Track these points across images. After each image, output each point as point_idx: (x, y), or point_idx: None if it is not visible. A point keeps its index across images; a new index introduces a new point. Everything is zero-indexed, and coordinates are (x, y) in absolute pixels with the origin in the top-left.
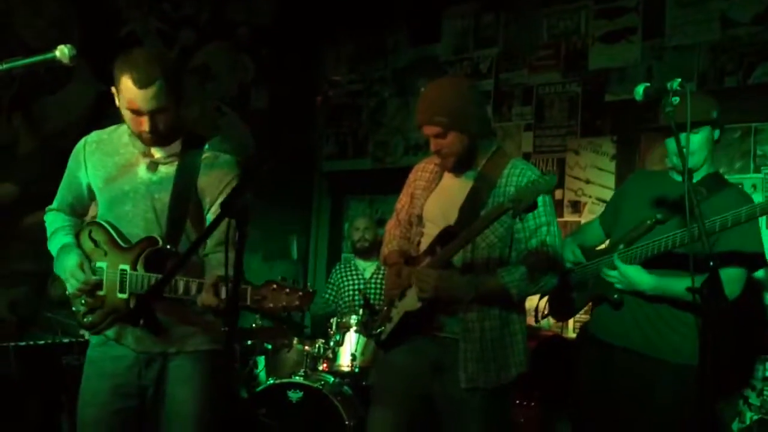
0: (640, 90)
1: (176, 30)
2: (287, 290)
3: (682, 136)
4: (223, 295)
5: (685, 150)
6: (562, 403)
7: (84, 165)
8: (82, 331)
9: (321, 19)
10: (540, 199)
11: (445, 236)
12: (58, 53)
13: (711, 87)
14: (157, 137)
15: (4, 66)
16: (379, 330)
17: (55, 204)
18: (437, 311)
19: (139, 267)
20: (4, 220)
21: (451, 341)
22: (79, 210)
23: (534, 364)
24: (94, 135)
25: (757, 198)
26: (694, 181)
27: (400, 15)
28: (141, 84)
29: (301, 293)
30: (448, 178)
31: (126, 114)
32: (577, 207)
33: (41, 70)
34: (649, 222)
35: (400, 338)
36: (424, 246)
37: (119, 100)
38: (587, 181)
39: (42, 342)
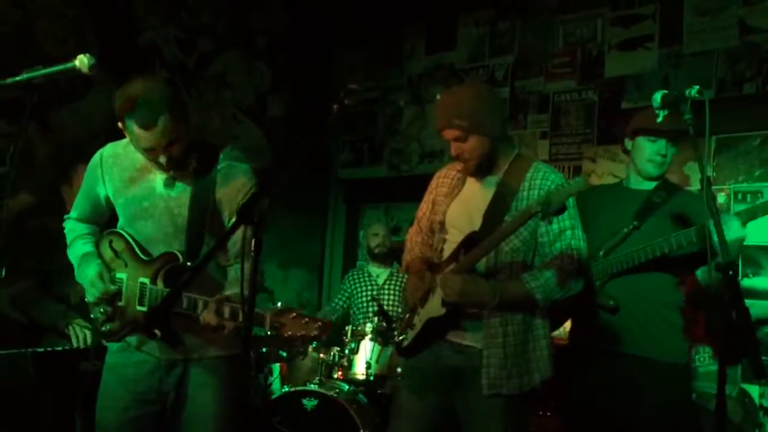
0: (657, 97)
1: (194, 38)
2: (306, 320)
3: (660, 144)
4: (227, 315)
5: (704, 158)
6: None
7: (101, 179)
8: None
9: (337, 27)
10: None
11: (469, 242)
12: (77, 63)
13: (729, 94)
14: (175, 164)
15: (25, 76)
16: (401, 337)
17: (74, 213)
18: (461, 318)
19: (159, 282)
20: (15, 223)
21: (473, 350)
22: (98, 220)
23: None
24: (110, 148)
25: None
26: (651, 188)
27: (416, 23)
28: (145, 125)
29: (319, 323)
30: (470, 184)
31: (142, 153)
32: None
33: (61, 80)
34: (626, 230)
35: (423, 345)
36: (447, 253)
37: (128, 135)
38: None
39: (60, 348)
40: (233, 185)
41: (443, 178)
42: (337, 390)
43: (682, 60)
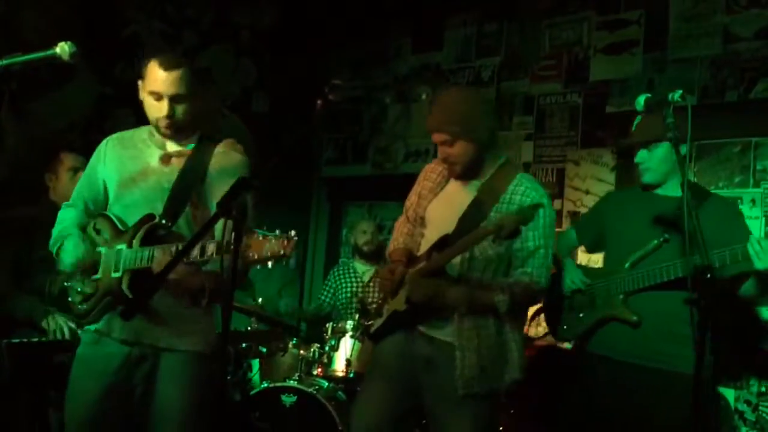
0: (641, 100)
1: (179, 32)
2: (271, 239)
3: (639, 154)
4: (196, 254)
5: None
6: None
7: (103, 160)
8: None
9: (324, 25)
10: (541, 220)
11: (442, 244)
12: (58, 50)
13: (712, 101)
14: (175, 127)
15: (4, 62)
16: (370, 323)
17: (71, 200)
18: (428, 315)
19: (135, 243)
20: None
21: (446, 345)
22: (94, 207)
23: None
24: (117, 134)
25: (756, 212)
26: (675, 194)
27: (403, 22)
28: (167, 66)
29: (285, 240)
30: (453, 184)
31: (147, 101)
32: (576, 217)
33: (42, 69)
34: (655, 242)
35: (388, 333)
36: (423, 247)
37: (143, 88)
38: (587, 192)
39: (35, 339)
40: (226, 171)
41: (430, 172)
42: (317, 387)
43: (667, 66)
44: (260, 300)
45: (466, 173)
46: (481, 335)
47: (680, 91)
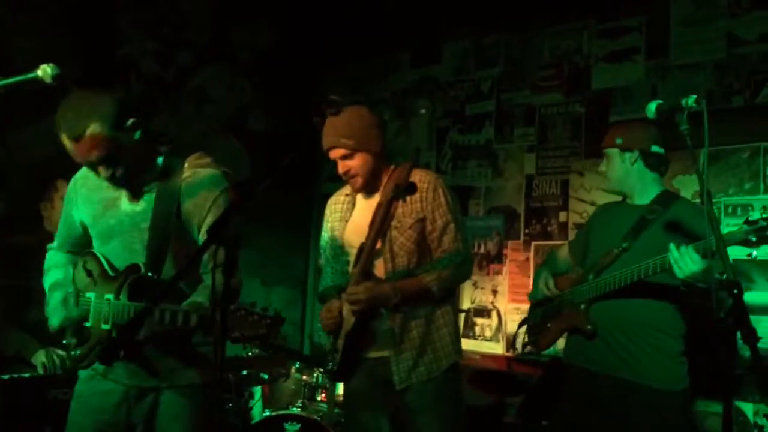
0: (652, 107)
1: (174, 52)
2: (254, 317)
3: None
4: (180, 321)
5: (703, 169)
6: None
7: (75, 203)
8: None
9: (322, 41)
10: (441, 198)
11: (361, 252)
12: (40, 72)
13: (718, 106)
14: (121, 179)
15: None
16: (329, 365)
17: (55, 242)
18: (369, 327)
19: (122, 296)
20: None
21: (385, 359)
22: (78, 246)
23: (541, 393)
24: (82, 171)
25: None
26: (647, 203)
27: (401, 36)
28: (74, 137)
29: (269, 321)
30: (360, 204)
31: (85, 165)
32: (582, 229)
33: (30, 95)
34: (615, 251)
35: (349, 364)
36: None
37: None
38: (592, 203)
39: (27, 375)
40: (201, 194)
41: (334, 204)
42: (321, 413)
43: (670, 72)
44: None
45: (368, 185)
46: (412, 332)
47: (694, 96)
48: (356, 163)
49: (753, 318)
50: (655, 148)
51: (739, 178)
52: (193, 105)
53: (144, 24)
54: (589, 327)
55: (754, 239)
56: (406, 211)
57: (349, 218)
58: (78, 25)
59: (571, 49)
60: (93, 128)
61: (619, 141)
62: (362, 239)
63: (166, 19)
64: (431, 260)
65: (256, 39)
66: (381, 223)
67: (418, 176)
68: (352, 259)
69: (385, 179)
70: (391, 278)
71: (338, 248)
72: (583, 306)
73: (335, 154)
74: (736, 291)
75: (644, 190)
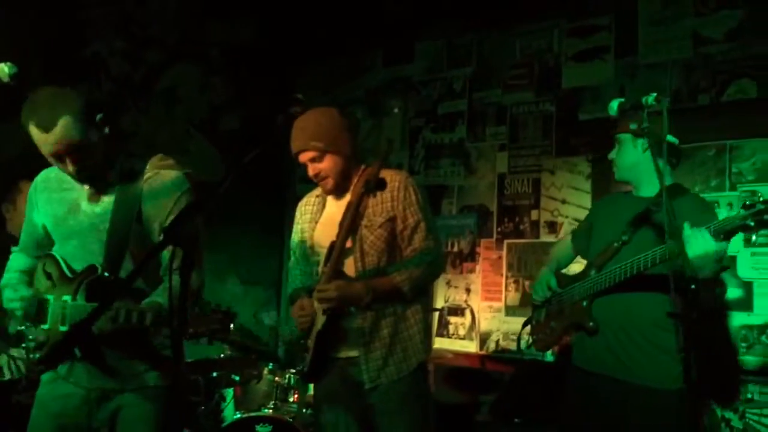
0: (614, 105)
1: (142, 50)
2: (207, 314)
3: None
4: (135, 320)
5: (664, 167)
6: (542, 428)
7: (36, 206)
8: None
9: (294, 41)
10: (412, 196)
11: (331, 250)
12: None
13: (684, 105)
14: (89, 174)
15: None
16: (300, 366)
17: (19, 246)
18: (340, 326)
19: (80, 297)
20: None
21: (355, 360)
22: (41, 249)
23: (514, 391)
24: (43, 174)
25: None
26: (652, 195)
27: (374, 35)
28: (45, 127)
29: (221, 316)
30: (330, 205)
31: (50, 160)
32: (553, 227)
33: None
34: (615, 245)
35: (320, 364)
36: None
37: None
38: (563, 201)
39: None
40: (160, 196)
41: (304, 206)
42: (293, 414)
43: (638, 71)
44: (232, 326)
45: (338, 187)
46: (382, 331)
47: (654, 94)
48: (326, 166)
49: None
50: (670, 138)
51: (706, 176)
52: (163, 104)
53: (110, 22)
54: (591, 324)
55: (752, 224)
56: (377, 210)
57: (319, 219)
58: (40, 23)
59: (541, 47)
60: (65, 120)
61: (633, 126)
62: (332, 239)
63: (132, 17)
64: (402, 259)
65: (228, 37)
66: (351, 222)
67: (388, 175)
68: (322, 259)
69: (355, 179)
70: (362, 277)
71: (308, 249)
72: (585, 303)
73: (305, 157)
74: (693, 286)
75: (652, 181)
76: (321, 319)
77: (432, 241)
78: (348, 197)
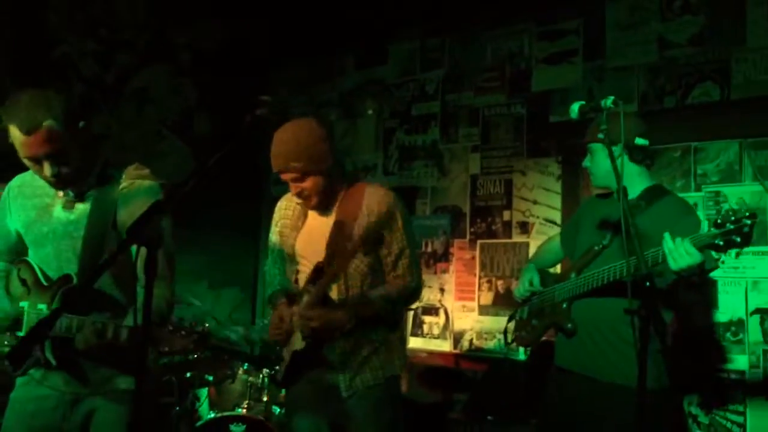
0: (575, 108)
1: (113, 52)
2: (182, 332)
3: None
4: (110, 335)
5: (621, 169)
6: (514, 426)
7: (9, 211)
8: None
9: (267, 43)
10: (399, 221)
11: (317, 273)
12: None
13: (651, 107)
14: (65, 181)
15: None
16: (275, 370)
17: None
18: (322, 345)
19: (55, 306)
20: None
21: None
22: (15, 255)
23: (487, 389)
24: (17, 179)
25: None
26: (633, 197)
27: (347, 38)
28: (27, 130)
29: (196, 336)
30: (313, 216)
31: (27, 163)
32: (525, 228)
33: None
34: (596, 248)
35: (295, 374)
36: (301, 283)
37: (16, 145)
38: (535, 202)
39: None
40: (137, 205)
41: (285, 209)
42: (266, 413)
43: (606, 74)
44: (207, 325)
45: (321, 204)
46: (362, 348)
47: (612, 98)
48: (308, 185)
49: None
50: (639, 141)
51: (672, 176)
52: (134, 106)
53: (78, 23)
54: (569, 326)
55: (721, 243)
56: (360, 233)
57: (300, 228)
58: (7, 23)
59: (512, 51)
60: (48, 123)
61: (602, 135)
62: (315, 253)
63: (101, 19)
64: (383, 282)
65: (199, 39)
66: (343, 251)
67: (375, 197)
68: (302, 270)
69: (340, 196)
70: (345, 301)
71: (288, 255)
72: (564, 305)
73: (286, 177)
74: (648, 284)
75: (630, 184)
76: (299, 341)
77: (415, 270)
78: (333, 213)
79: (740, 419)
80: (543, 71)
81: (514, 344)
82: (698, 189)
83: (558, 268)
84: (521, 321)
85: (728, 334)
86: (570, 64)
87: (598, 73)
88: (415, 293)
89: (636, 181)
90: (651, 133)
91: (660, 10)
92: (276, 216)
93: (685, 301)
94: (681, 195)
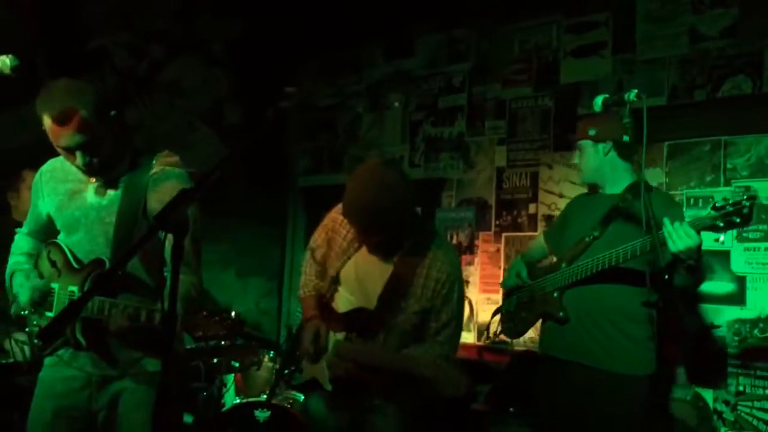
0: (599, 101)
1: (146, 43)
2: (216, 318)
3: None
4: (143, 318)
5: (643, 163)
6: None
7: (41, 194)
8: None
9: (296, 34)
10: (455, 294)
11: (361, 321)
12: None
13: (681, 101)
14: (97, 169)
15: None
16: (290, 370)
17: (25, 228)
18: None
19: (87, 288)
20: None
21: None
22: (46, 236)
23: (508, 380)
24: (49, 164)
25: None
26: (618, 192)
27: (375, 30)
28: (59, 121)
29: (228, 323)
30: (367, 252)
31: (59, 150)
32: (551, 221)
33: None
34: (587, 240)
35: (309, 390)
36: (338, 304)
37: (50, 138)
38: (560, 195)
39: None
40: (165, 191)
41: (339, 226)
42: (291, 400)
43: (635, 67)
44: (233, 313)
45: (386, 255)
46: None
47: (635, 91)
48: (384, 240)
49: (713, 307)
50: (626, 138)
51: (701, 171)
52: (167, 97)
53: (113, 15)
54: (561, 314)
55: (721, 224)
56: (416, 295)
57: (351, 255)
58: (44, 15)
59: (540, 43)
60: (81, 112)
61: (592, 132)
62: (363, 294)
63: (134, 10)
64: (421, 339)
65: (229, 31)
66: (394, 307)
67: (438, 263)
68: (342, 293)
69: (406, 243)
70: (381, 349)
71: (329, 276)
72: (556, 294)
73: (368, 240)
74: (666, 276)
75: (616, 179)
76: (325, 376)
77: (455, 342)
78: (391, 264)
79: (767, 416)
80: (571, 64)
81: (500, 337)
82: (728, 184)
83: None
84: (509, 313)
85: (756, 331)
86: (599, 57)
87: (628, 66)
88: (446, 365)
89: (622, 177)
90: (681, 127)
91: (691, 2)
92: (328, 224)
93: (680, 285)
94: (710, 190)
